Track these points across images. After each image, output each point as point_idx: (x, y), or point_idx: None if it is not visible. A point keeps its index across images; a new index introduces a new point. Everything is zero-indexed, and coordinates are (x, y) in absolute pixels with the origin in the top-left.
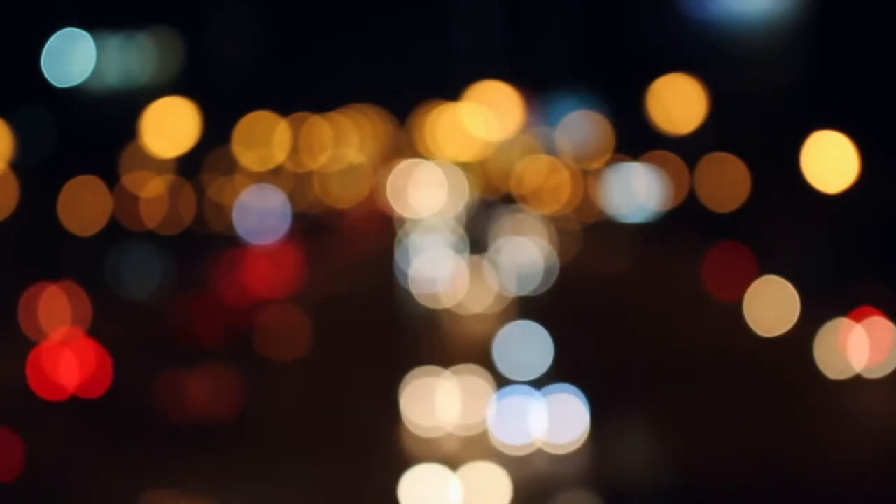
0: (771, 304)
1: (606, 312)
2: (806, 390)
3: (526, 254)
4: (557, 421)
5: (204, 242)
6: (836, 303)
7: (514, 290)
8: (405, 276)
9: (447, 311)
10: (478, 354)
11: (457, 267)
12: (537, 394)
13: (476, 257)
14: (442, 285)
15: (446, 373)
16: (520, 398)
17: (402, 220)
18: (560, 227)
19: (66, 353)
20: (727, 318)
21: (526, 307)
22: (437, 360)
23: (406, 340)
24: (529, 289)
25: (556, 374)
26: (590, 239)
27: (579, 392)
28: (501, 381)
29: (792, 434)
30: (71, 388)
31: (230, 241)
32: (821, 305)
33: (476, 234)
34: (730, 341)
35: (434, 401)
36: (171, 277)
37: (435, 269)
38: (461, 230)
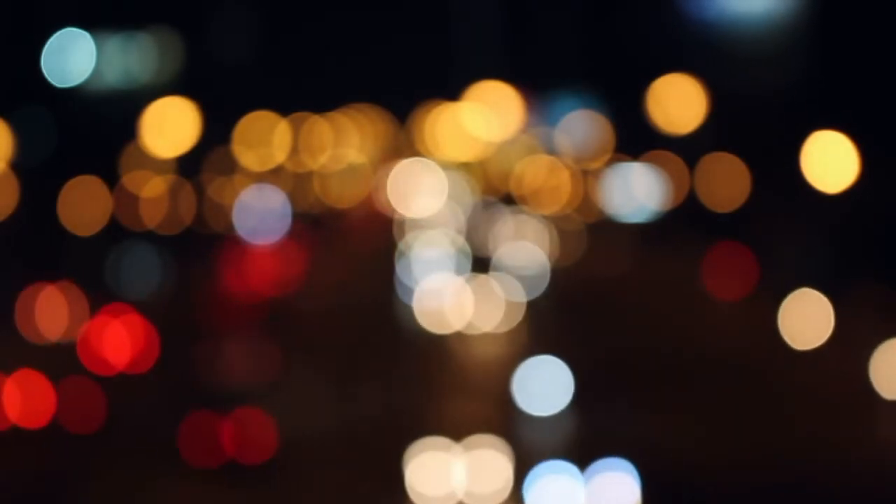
0: (806, 317)
1: (617, 319)
2: (858, 406)
3: (531, 258)
4: (604, 498)
5: (204, 242)
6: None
7: (521, 296)
8: (407, 290)
9: (455, 334)
10: (493, 405)
11: (461, 284)
12: (579, 475)
13: (481, 273)
14: (447, 303)
15: (458, 447)
16: (559, 479)
17: (403, 222)
18: (562, 228)
19: (115, 328)
20: (747, 324)
21: (536, 322)
22: (447, 421)
23: (409, 385)
24: (537, 293)
25: (595, 444)
26: (593, 239)
27: (626, 464)
28: (525, 458)
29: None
30: (120, 366)
31: (230, 241)
32: (859, 320)
33: (478, 242)
34: (757, 349)
35: (445, 481)
36: (171, 277)
37: (438, 287)
38: (462, 240)
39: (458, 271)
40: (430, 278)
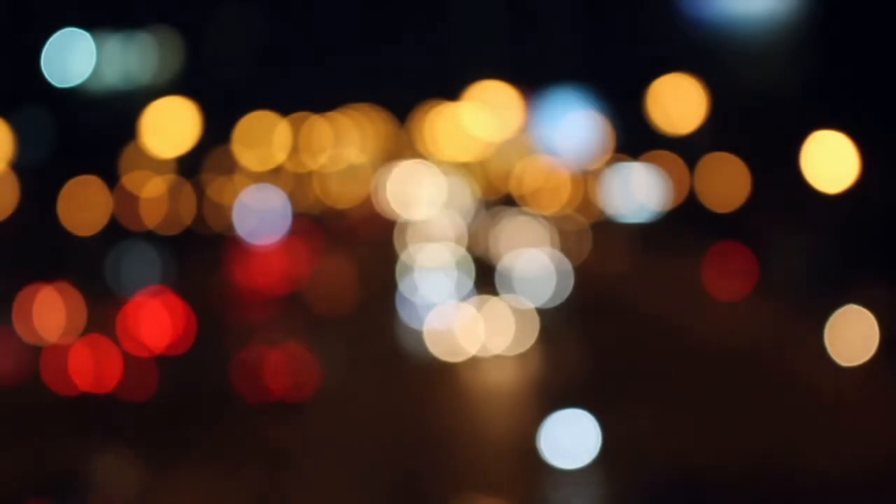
0: (852, 333)
1: (630, 324)
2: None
3: (536, 262)
4: None
5: (204, 242)
6: None
7: (530, 303)
8: (411, 310)
9: (459, 363)
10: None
11: (468, 304)
12: None
13: (488, 287)
14: (454, 325)
15: None
16: None
17: (404, 230)
18: (566, 229)
19: (153, 310)
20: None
21: (550, 341)
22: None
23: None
24: (545, 299)
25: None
26: (598, 240)
27: None
28: None
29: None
30: (158, 349)
31: (230, 242)
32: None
33: (482, 249)
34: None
35: None
36: (171, 277)
37: (443, 308)
38: (465, 251)
39: (463, 289)
40: (435, 298)
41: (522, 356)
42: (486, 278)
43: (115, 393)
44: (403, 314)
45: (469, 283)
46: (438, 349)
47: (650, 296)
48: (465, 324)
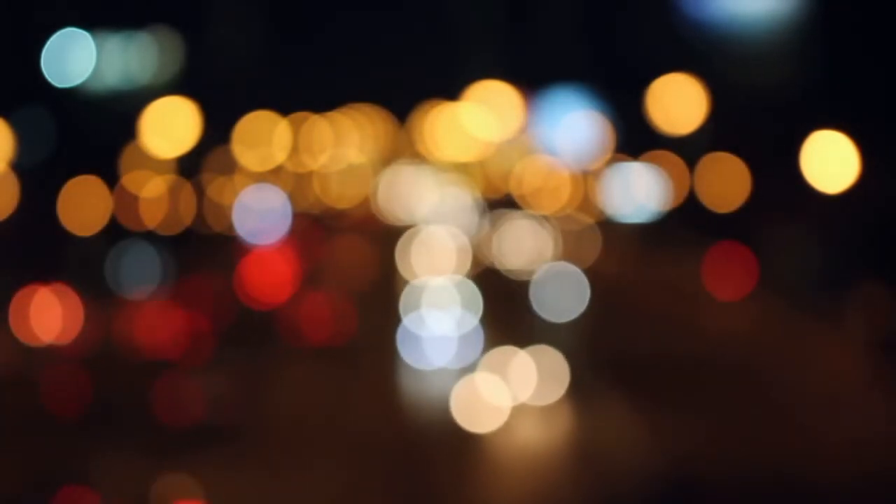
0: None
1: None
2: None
3: (546, 273)
4: None
5: (204, 242)
6: None
7: (546, 316)
8: (415, 346)
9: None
10: None
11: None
12: None
13: (500, 313)
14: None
15: None
16: None
17: (407, 240)
18: (569, 230)
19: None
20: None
21: (580, 385)
22: None
23: None
24: (560, 314)
25: None
26: (604, 243)
27: None
28: None
29: None
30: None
31: (230, 242)
32: None
33: (488, 265)
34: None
35: None
36: (171, 277)
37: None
38: (472, 265)
39: (473, 321)
40: (446, 331)
41: (554, 412)
42: (495, 294)
43: (176, 361)
44: (408, 355)
45: (478, 310)
46: (461, 410)
47: (659, 300)
48: (484, 372)
